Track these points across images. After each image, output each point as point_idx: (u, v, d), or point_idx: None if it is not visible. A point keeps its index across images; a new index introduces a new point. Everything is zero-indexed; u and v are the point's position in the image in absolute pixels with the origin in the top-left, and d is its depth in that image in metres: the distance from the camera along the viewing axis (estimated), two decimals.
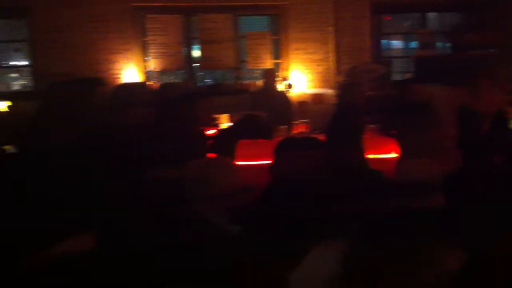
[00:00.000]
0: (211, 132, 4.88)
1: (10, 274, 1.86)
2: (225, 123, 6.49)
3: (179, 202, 2.18)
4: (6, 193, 2.26)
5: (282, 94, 7.59)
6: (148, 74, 8.06)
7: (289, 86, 8.09)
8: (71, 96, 2.88)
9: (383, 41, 8.97)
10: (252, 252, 1.91)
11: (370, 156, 4.69)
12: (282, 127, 5.84)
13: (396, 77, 8.62)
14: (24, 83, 8.62)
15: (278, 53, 8.32)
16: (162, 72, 8.19)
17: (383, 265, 1.64)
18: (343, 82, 7.06)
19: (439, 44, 8.58)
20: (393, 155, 5.02)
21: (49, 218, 2.09)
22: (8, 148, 3.89)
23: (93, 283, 1.84)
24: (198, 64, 8.32)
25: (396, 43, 10.13)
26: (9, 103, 5.66)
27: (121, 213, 2.18)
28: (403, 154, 4.35)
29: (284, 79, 8.16)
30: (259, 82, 7.82)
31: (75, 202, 2.19)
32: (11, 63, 9.07)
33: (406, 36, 9.71)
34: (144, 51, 8.06)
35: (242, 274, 1.83)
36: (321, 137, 3.95)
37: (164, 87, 4.88)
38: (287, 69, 8.24)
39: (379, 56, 8.59)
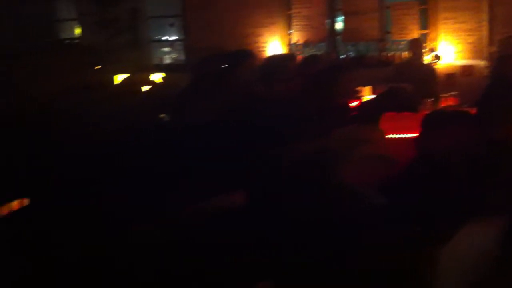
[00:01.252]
0: (354, 104, 4.83)
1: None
2: (368, 95, 6.38)
3: (326, 171, 2.23)
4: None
5: (429, 66, 7.26)
6: (291, 47, 8.15)
7: (437, 57, 7.72)
8: (224, 69, 2.98)
9: None
10: (398, 225, 1.89)
11: None
12: (429, 100, 5.61)
13: None
14: (176, 57, 9.15)
15: (425, 23, 7.96)
16: (305, 44, 8.22)
17: None
18: (497, 54, 6.58)
19: None
20: None
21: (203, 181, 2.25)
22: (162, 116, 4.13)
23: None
24: (341, 36, 8.23)
25: None
26: (163, 75, 6.02)
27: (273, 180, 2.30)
28: None
29: (432, 50, 7.80)
30: (405, 54, 7.56)
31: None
32: (165, 37, 9.67)
33: None
34: (288, 24, 8.15)
35: (390, 246, 1.83)
36: (472, 111, 3.74)
37: (309, 59, 4.91)
38: (434, 40, 7.85)
39: None
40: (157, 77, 6.52)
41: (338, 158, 2.30)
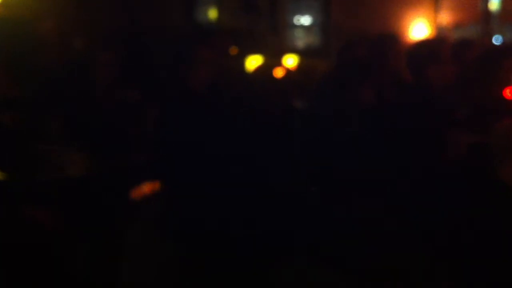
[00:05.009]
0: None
1: None
2: None
3: (485, 167, 2.11)
4: None
5: None
6: (439, 30, 7.62)
7: None
8: (371, 54, 2.85)
9: None
10: None
11: None
12: None
13: None
14: (312, 42, 8.97)
15: None
16: (456, 26, 7.64)
17: None
18: None
19: None
20: None
21: None
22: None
23: None
24: (498, 18, 7.52)
25: None
26: (297, 60, 5.94)
27: None
28: None
29: None
30: None
31: None
32: (303, 21, 9.52)
33: None
34: (437, 3, 7.60)
35: None
36: None
37: (464, 43, 4.49)
38: None
39: None
40: (293, 62, 6.42)
41: (498, 156, 2.13)
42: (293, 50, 8.32)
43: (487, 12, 7.65)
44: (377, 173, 2.43)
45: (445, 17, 7.65)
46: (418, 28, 7.62)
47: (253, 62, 4.21)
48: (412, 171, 2.43)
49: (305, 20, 9.43)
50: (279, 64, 4.76)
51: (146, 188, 2.67)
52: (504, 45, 7.43)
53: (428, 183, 2.35)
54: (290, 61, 5.98)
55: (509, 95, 4.21)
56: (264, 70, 3.84)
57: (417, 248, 2.24)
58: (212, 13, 8.78)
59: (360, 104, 2.67)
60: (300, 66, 5.97)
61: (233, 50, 3.96)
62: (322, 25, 8.42)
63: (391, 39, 3.53)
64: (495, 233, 1.92)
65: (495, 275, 1.90)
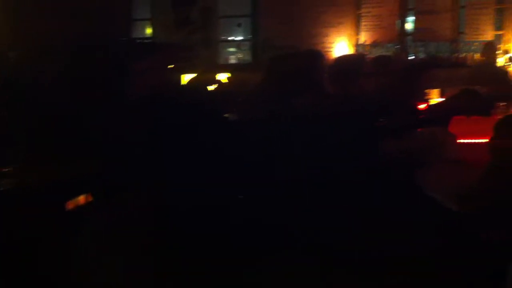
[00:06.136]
0: (422, 106, 4.71)
1: None
2: (436, 98, 6.22)
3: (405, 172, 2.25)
4: None
5: (503, 69, 7.01)
6: (359, 48, 8.05)
7: (511, 60, 7.42)
8: (295, 69, 2.99)
9: None
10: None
11: None
12: (502, 104, 5.41)
13: None
14: (242, 57, 9.22)
15: (500, 24, 7.66)
16: (373, 45, 8.09)
17: None
18: None
19: None
20: None
21: None
22: None
23: None
24: (412, 37, 8.06)
25: None
26: (229, 74, 6.09)
27: None
28: None
29: (506, 52, 7.50)
30: (477, 56, 7.32)
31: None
32: (232, 37, 9.76)
33: None
34: (356, 24, 8.05)
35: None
36: None
37: (380, 59, 4.82)
38: (510, 42, 7.55)
39: None
40: (223, 76, 6.60)
41: (413, 162, 2.32)
42: (225, 64, 8.57)
43: (402, 32, 8.16)
44: (306, 181, 2.44)
45: (365, 36, 8.08)
46: (341, 46, 8.04)
47: (186, 76, 4.31)
48: (341, 176, 2.44)
49: (236, 35, 9.69)
50: (211, 77, 4.93)
51: (81, 200, 2.71)
52: (417, 60, 7.97)
53: (353, 188, 2.37)
54: (222, 75, 6.17)
55: (424, 106, 4.60)
56: (197, 83, 3.98)
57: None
58: (147, 28, 8.90)
59: (289, 115, 2.73)
60: (231, 79, 6.18)
61: (168, 64, 4.04)
62: (252, 41, 8.70)
63: (316, 54, 3.74)
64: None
65: None
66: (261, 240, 2.28)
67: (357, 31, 8.10)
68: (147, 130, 2.61)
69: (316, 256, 2.18)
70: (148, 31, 8.90)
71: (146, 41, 7.97)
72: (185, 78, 4.19)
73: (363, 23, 8.03)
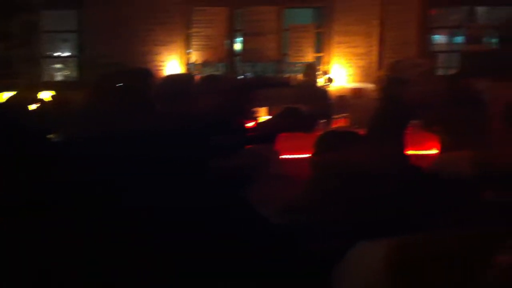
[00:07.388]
0: (250, 124, 4.87)
1: None
2: (264, 116, 6.49)
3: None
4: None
5: (322, 88, 7.54)
6: (190, 66, 8.14)
7: (329, 80, 8.03)
8: (122, 87, 2.93)
9: (430, 35, 8.76)
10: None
11: (411, 152, 4.60)
12: (322, 121, 5.81)
13: (443, 72, 8.43)
14: (68, 74, 8.81)
15: (320, 47, 8.26)
16: (204, 64, 8.24)
17: None
18: (387, 77, 6.94)
19: (487, 39, 8.34)
20: (434, 151, 4.91)
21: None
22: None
23: None
24: (240, 57, 8.34)
25: (443, 38, 9.88)
26: (53, 92, 5.79)
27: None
28: (444, 150, 4.25)
29: (325, 73, 8.10)
30: (300, 76, 7.79)
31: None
32: (57, 53, 9.29)
33: (453, 30, 9.46)
34: (187, 43, 8.13)
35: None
36: (361, 131, 3.90)
37: (208, 79, 4.91)
38: (328, 63, 8.17)
39: (425, 50, 8.40)
40: (47, 95, 6.26)
41: (241, 178, 2.36)
42: (48, 82, 8.11)
43: (231, 52, 8.42)
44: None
45: (196, 56, 8.19)
46: (172, 65, 8.05)
47: (5, 94, 4.05)
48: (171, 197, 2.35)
49: (62, 51, 9.23)
50: (34, 96, 4.63)
51: None
52: (246, 80, 8.27)
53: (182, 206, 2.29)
54: (45, 93, 5.84)
55: (252, 124, 4.76)
56: (17, 102, 3.72)
57: None
58: None
59: (114, 133, 2.62)
60: (55, 98, 5.87)
61: None
62: (79, 58, 8.34)
63: (144, 72, 3.70)
64: None
65: None
66: None
67: (188, 50, 8.17)
68: None
69: None
70: None
71: None
72: (3, 97, 3.94)
73: (194, 43, 8.14)
